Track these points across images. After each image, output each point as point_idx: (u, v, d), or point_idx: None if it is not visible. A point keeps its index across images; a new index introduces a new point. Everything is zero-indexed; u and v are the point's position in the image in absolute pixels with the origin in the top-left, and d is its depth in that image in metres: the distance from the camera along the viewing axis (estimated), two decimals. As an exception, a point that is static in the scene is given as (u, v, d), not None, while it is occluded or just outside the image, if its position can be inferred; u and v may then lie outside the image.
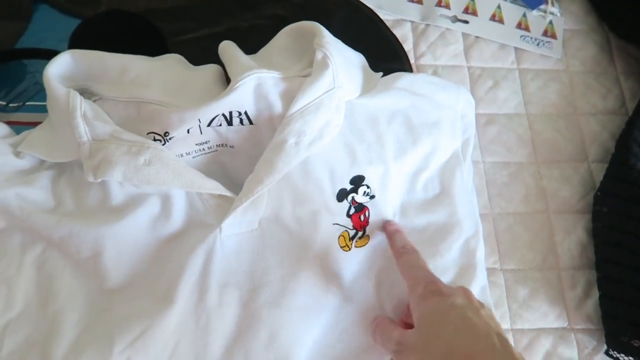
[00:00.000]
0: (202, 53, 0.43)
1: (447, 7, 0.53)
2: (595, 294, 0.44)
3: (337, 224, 0.39)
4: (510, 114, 0.50)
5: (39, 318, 0.35)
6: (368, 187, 0.40)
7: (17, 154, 0.38)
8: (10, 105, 0.44)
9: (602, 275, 0.44)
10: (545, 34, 0.54)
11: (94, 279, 0.36)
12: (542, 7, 0.54)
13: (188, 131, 0.37)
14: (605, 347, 0.43)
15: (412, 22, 0.52)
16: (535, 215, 0.47)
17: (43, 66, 0.39)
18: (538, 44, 0.53)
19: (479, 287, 0.42)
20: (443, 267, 0.41)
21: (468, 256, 0.42)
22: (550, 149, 0.50)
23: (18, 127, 0.42)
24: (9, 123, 0.41)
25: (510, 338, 0.43)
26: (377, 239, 0.40)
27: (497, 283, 0.45)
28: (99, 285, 0.36)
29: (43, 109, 0.42)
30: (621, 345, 0.42)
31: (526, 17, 0.54)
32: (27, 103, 0.44)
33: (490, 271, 0.45)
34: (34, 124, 0.42)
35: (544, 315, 0.44)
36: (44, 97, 0.41)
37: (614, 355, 0.43)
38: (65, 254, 0.36)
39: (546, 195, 0.48)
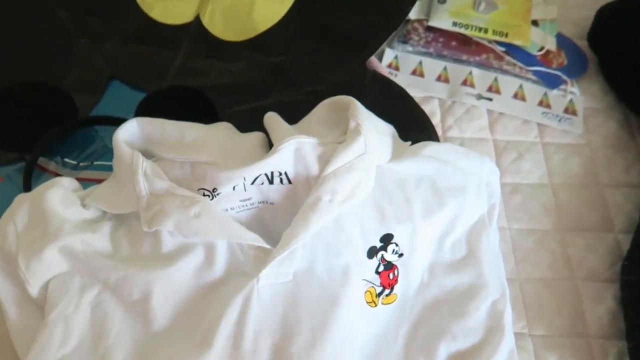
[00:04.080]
0: (249, 123, 0.48)
1: (472, 86, 0.58)
2: (628, 364, 0.44)
3: (366, 280, 0.42)
4: (534, 183, 0.53)
5: (90, 355, 0.38)
6: (397, 245, 0.43)
7: (84, 206, 0.43)
8: (81, 164, 0.50)
9: (634, 346, 0.44)
10: (566, 111, 0.57)
11: (141, 320, 0.39)
12: (562, 87, 0.58)
13: (234, 188, 0.42)
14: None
15: (439, 98, 0.57)
16: (562, 281, 0.48)
17: (111, 132, 0.45)
18: (559, 120, 0.57)
19: (507, 350, 0.42)
20: (470, 328, 0.42)
21: (495, 318, 0.43)
22: (575, 218, 0.51)
23: (86, 183, 0.47)
24: (78, 179, 0.47)
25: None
26: (406, 299, 0.42)
27: (526, 348, 0.45)
28: (145, 327, 0.39)
29: (107, 168, 0.48)
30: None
31: (547, 95, 0.58)
32: (95, 162, 0.50)
33: (518, 336, 0.45)
34: (99, 181, 0.47)
35: (575, 384, 0.44)
36: (109, 158, 0.47)
37: None
38: (118, 296, 0.40)
39: (572, 263, 0.49)
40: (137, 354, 0.38)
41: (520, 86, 0.58)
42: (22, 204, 0.41)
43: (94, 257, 0.40)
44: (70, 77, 0.55)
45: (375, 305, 0.41)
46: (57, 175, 0.49)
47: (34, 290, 0.39)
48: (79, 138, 0.51)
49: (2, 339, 0.41)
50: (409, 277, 0.43)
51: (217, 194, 0.42)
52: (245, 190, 0.42)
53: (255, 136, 0.47)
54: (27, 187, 0.46)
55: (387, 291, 0.42)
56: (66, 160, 0.50)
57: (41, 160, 0.50)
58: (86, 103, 0.53)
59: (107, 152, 0.51)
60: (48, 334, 0.38)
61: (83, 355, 0.38)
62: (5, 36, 0.56)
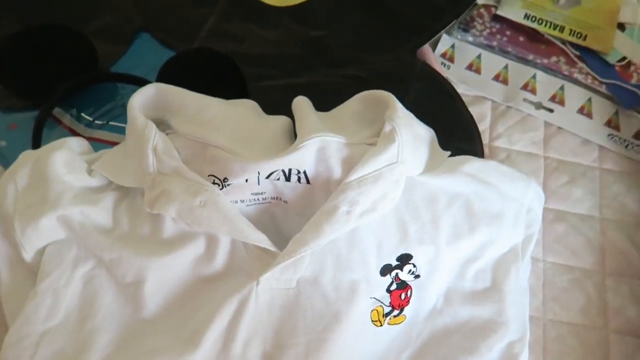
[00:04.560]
0: (278, 101, 0.44)
1: (533, 92, 0.51)
2: None
3: (374, 298, 0.38)
4: (582, 214, 0.47)
5: (75, 332, 0.37)
6: (414, 266, 0.39)
7: (90, 172, 0.41)
8: (96, 122, 0.47)
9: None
10: (636, 136, 0.50)
11: (131, 305, 0.37)
12: (637, 107, 0.51)
13: (246, 180, 0.38)
14: None
15: (493, 101, 0.51)
16: (592, 330, 0.43)
17: (132, 90, 0.42)
18: (627, 146, 0.50)
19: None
20: (480, 367, 0.39)
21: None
22: (622, 261, 0.46)
23: (98, 144, 0.45)
24: (90, 139, 0.44)
25: None
26: (415, 323, 0.39)
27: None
28: (134, 313, 0.37)
29: (123, 130, 0.44)
30: None
31: (617, 115, 0.51)
32: (111, 122, 0.47)
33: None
34: (113, 144, 0.45)
35: None
36: (124, 118, 0.44)
37: None
38: (111, 276, 0.38)
39: (608, 311, 0.44)
40: (122, 340, 0.37)
41: (589, 100, 0.51)
42: (26, 163, 0.39)
43: (91, 231, 0.38)
44: (96, 22, 0.51)
45: (381, 325, 0.39)
46: (71, 130, 0.47)
47: (28, 255, 0.38)
48: (99, 92, 0.48)
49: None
50: (422, 300, 0.40)
51: (228, 184, 0.38)
52: (258, 184, 0.39)
53: (281, 121, 0.43)
54: (37, 141, 0.44)
55: (395, 312, 0.39)
56: (82, 115, 0.47)
57: (56, 111, 0.47)
58: (110, 52, 0.50)
59: (124, 112, 0.47)
60: (35, 305, 0.37)
61: (67, 332, 0.37)
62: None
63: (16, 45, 0.45)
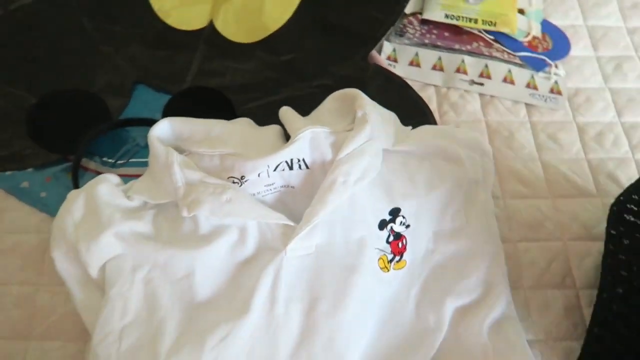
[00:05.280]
0: (264, 117, 0.54)
1: (465, 73, 0.63)
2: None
3: (378, 248, 0.48)
4: (524, 158, 0.59)
5: (146, 324, 0.44)
6: (404, 217, 0.49)
7: (128, 197, 0.49)
8: (118, 162, 0.56)
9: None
10: (551, 91, 0.63)
11: (187, 294, 0.45)
12: (547, 69, 0.64)
13: (259, 175, 0.48)
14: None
15: (435, 86, 0.63)
16: (552, 242, 0.54)
17: (142, 132, 0.51)
18: (545, 100, 0.62)
19: (504, 301, 0.48)
20: (472, 286, 0.48)
21: (493, 275, 0.48)
22: (564, 183, 0.57)
23: (125, 178, 0.53)
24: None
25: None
26: (414, 265, 0.48)
27: (518, 300, 0.50)
28: (191, 299, 0.45)
29: (142, 164, 0.53)
30: None
31: (534, 78, 0.64)
32: (131, 160, 0.56)
33: (513, 289, 0.51)
34: (136, 176, 0.53)
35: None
36: (141, 155, 0.53)
37: None
38: (165, 275, 0.46)
39: (562, 224, 0.55)
40: (186, 323, 0.44)
41: (509, 71, 0.64)
42: (76, 198, 0.47)
43: (141, 241, 0.46)
44: (99, 82, 0.60)
45: (388, 271, 0.47)
46: (98, 173, 0.55)
47: (93, 272, 0.45)
48: (114, 138, 0.57)
49: (67, 317, 0.48)
50: (416, 245, 0.49)
51: (245, 181, 0.48)
52: (268, 176, 0.48)
53: (273, 128, 0.53)
54: (76, 184, 0.52)
55: (397, 258, 0.48)
56: (104, 159, 0.56)
57: (82, 161, 0.55)
58: (116, 106, 0.59)
59: (140, 150, 0.56)
60: (110, 309, 0.44)
61: (140, 325, 0.44)
62: (39, 48, 0.62)
63: (43, 109, 0.54)
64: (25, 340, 0.48)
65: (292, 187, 0.50)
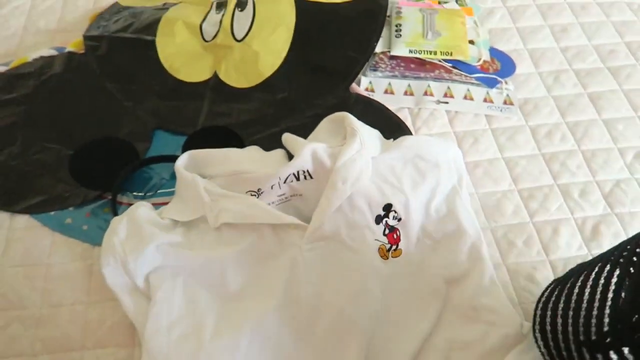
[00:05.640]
0: (267, 146, 0.65)
1: (431, 95, 0.75)
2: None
3: (377, 240, 0.57)
4: (490, 159, 0.70)
5: (189, 318, 0.52)
6: (395, 212, 0.58)
7: (162, 219, 0.58)
8: (147, 194, 0.65)
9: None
10: (505, 103, 0.75)
11: (221, 290, 0.54)
12: (499, 86, 0.76)
13: (272, 187, 0.57)
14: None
15: (408, 108, 0.74)
16: (523, 225, 0.64)
17: (165, 168, 0.61)
18: (501, 110, 0.74)
19: (488, 275, 0.57)
20: (459, 262, 0.57)
21: (476, 252, 0.58)
22: (528, 179, 0.68)
23: (155, 206, 0.62)
24: (149, 204, 0.62)
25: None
26: (409, 252, 0.57)
27: (501, 276, 0.60)
28: (224, 294, 0.54)
29: (168, 194, 0.63)
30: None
31: (489, 94, 0.76)
32: (159, 191, 0.65)
33: (495, 265, 0.60)
34: (164, 204, 0.62)
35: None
36: (166, 187, 0.62)
37: None
38: (201, 276, 0.54)
39: (527, 209, 0.65)
40: (223, 312, 0.53)
41: (468, 90, 0.76)
42: (120, 221, 0.56)
43: (178, 250, 0.55)
44: (124, 131, 0.70)
45: (387, 259, 0.57)
46: (131, 205, 0.64)
47: (140, 281, 0.53)
48: (141, 175, 0.66)
49: (116, 327, 0.55)
50: (408, 236, 0.58)
51: (261, 193, 0.57)
52: (280, 188, 0.58)
53: (278, 152, 0.63)
54: (115, 213, 0.61)
55: (394, 247, 0.57)
56: (135, 193, 0.65)
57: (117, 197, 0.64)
58: (140, 149, 0.69)
59: (165, 183, 0.66)
60: (157, 310, 0.52)
61: (184, 319, 0.52)
62: (69, 109, 0.72)
63: (80, 157, 0.63)
64: (80, 351, 0.55)
65: (300, 195, 0.59)
